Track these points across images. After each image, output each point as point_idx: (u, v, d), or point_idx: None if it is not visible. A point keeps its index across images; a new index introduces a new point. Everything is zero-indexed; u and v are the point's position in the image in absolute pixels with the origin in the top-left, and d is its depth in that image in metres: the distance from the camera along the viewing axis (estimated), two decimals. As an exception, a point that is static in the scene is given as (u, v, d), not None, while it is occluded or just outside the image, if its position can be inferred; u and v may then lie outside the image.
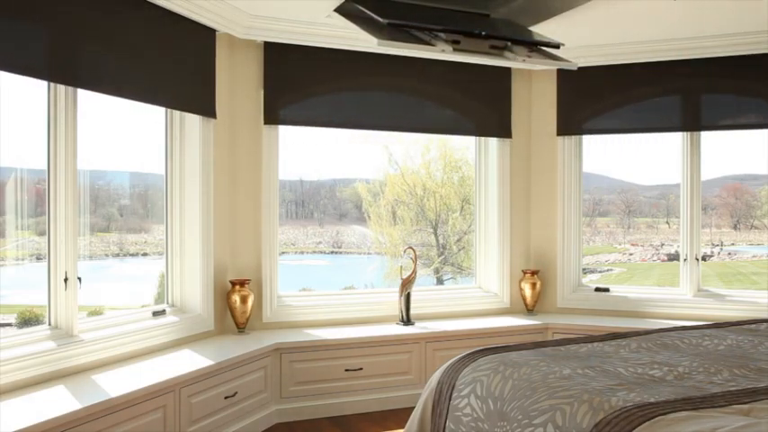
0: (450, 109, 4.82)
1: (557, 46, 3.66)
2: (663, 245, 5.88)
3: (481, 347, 3.00)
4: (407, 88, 4.65)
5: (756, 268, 5.70)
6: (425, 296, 4.82)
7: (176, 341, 3.73)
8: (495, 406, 2.45)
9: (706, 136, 4.75)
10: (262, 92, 4.25)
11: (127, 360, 3.36)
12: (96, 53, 3.17)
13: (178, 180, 3.97)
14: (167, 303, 3.94)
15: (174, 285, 3.97)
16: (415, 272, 4.53)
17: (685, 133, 4.75)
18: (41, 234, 3.17)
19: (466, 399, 2.61)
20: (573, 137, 4.97)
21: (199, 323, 3.91)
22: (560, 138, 4.97)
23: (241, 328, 4.10)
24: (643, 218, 5.99)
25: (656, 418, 1.94)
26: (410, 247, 4.72)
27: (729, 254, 5.76)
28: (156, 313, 3.75)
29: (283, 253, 5.08)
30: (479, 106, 4.88)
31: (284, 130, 4.36)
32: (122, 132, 3.77)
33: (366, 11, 3.40)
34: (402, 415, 3.88)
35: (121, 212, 4.12)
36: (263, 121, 4.25)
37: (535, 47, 3.71)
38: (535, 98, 5.04)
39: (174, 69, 3.68)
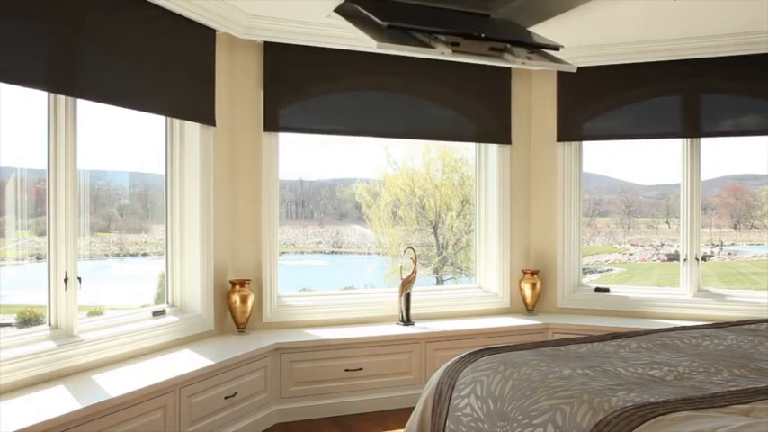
0: (450, 109, 4.82)
1: (556, 48, 3.66)
2: (663, 245, 5.88)
3: (481, 347, 3.00)
4: (407, 88, 4.64)
5: (756, 268, 5.70)
6: (425, 296, 4.82)
7: (176, 341, 3.73)
8: (495, 406, 2.45)
9: (706, 133, 4.74)
10: (262, 92, 4.25)
11: (127, 360, 3.36)
12: (96, 57, 3.16)
13: (178, 180, 3.97)
14: (167, 303, 3.94)
15: (174, 285, 3.97)
16: (415, 272, 4.53)
17: (686, 129, 4.75)
18: (41, 234, 3.17)
19: (466, 399, 2.61)
20: (574, 135, 4.96)
21: (199, 323, 3.91)
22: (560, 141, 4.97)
23: (241, 328, 4.10)
24: (643, 218, 5.99)
25: (656, 418, 1.94)
26: (410, 247, 4.72)
27: (729, 254, 5.76)
28: (156, 313, 3.75)
29: (283, 253, 5.08)
30: (479, 107, 4.87)
31: (284, 122, 4.34)
32: (122, 132, 3.76)
33: (365, 12, 3.39)
34: (402, 415, 3.88)
35: (121, 212, 4.12)
36: (263, 128, 4.25)
37: (534, 49, 3.72)
38: (535, 98, 5.04)
39: (173, 74, 3.67)
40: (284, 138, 4.39)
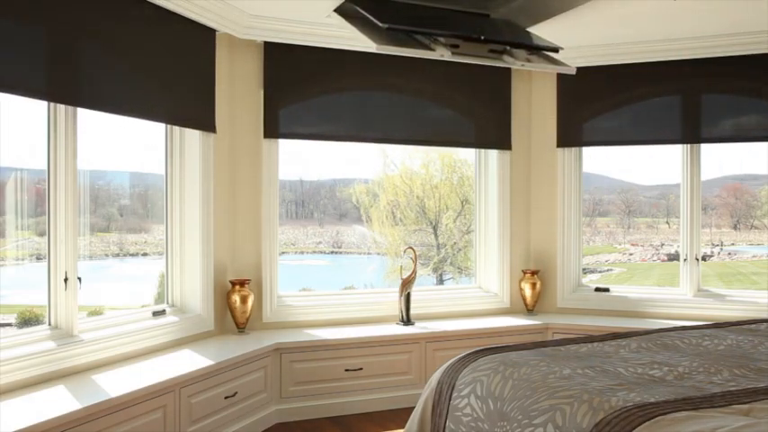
0: (450, 109, 4.82)
1: (555, 50, 3.66)
2: (663, 245, 5.89)
3: (481, 347, 3.00)
4: (408, 88, 4.64)
5: (756, 268, 5.70)
6: (425, 296, 4.82)
7: (176, 341, 3.73)
8: (495, 406, 2.45)
9: (706, 134, 4.73)
10: (261, 92, 4.25)
11: (127, 360, 3.36)
12: (95, 63, 3.15)
13: (178, 180, 3.97)
14: (167, 303, 3.94)
15: (174, 285, 3.97)
16: (414, 272, 4.53)
17: (686, 130, 4.74)
18: (41, 234, 3.17)
19: (466, 399, 2.61)
20: (574, 135, 4.96)
21: (199, 323, 3.91)
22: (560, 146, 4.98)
23: (241, 328, 4.10)
24: (643, 218, 5.99)
25: (656, 418, 1.94)
26: (410, 247, 4.72)
27: (729, 254, 5.76)
28: (156, 313, 3.75)
29: (283, 253, 5.08)
30: (480, 107, 4.87)
31: (284, 124, 4.34)
32: (122, 132, 3.76)
33: (365, 13, 3.39)
34: (402, 415, 3.88)
35: (121, 212, 4.12)
36: (263, 132, 4.25)
37: (534, 50, 3.72)
38: (535, 99, 5.03)
39: (174, 80, 3.67)
40: (284, 135, 4.38)
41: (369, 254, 5.99)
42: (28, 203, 3.25)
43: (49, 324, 3.12)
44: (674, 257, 5.54)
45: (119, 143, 3.78)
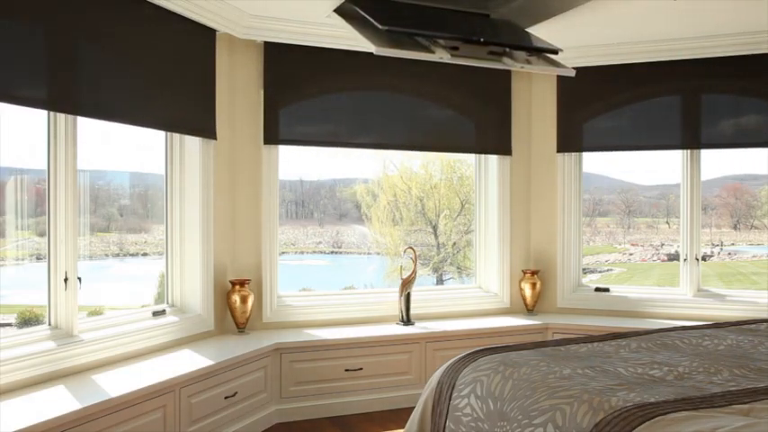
0: (450, 110, 4.81)
1: (555, 51, 3.66)
2: (663, 245, 5.88)
3: (481, 347, 3.00)
4: (407, 89, 4.64)
5: (756, 268, 5.70)
6: (425, 296, 4.82)
7: (176, 341, 3.73)
8: (495, 406, 2.45)
9: (706, 135, 4.73)
10: (262, 92, 4.25)
11: (127, 360, 3.36)
12: (94, 66, 3.14)
13: (178, 180, 3.97)
14: (167, 303, 3.94)
15: (174, 285, 3.97)
16: (414, 272, 4.53)
17: (686, 132, 4.74)
18: (41, 234, 3.17)
19: (466, 399, 2.61)
20: (574, 135, 4.96)
21: (199, 323, 3.91)
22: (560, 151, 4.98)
23: (241, 328, 4.10)
24: (643, 218, 5.99)
25: (656, 418, 1.94)
26: (410, 247, 4.72)
27: (729, 254, 5.76)
28: (156, 313, 3.75)
29: (283, 253, 5.08)
30: (479, 109, 4.87)
31: (284, 123, 4.34)
32: (122, 132, 3.76)
33: (364, 14, 3.39)
34: (402, 415, 3.88)
35: (121, 212, 4.12)
36: (263, 133, 4.25)
37: (533, 52, 3.71)
38: (536, 100, 5.03)
39: (174, 85, 3.66)
40: (284, 134, 4.37)
41: (369, 254, 5.99)
42: (28, 203, 3.25)
43: (49, 324, 3.12)
44: (674, 257, 5.54)
45: (119, 143, 3.78)
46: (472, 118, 4.89)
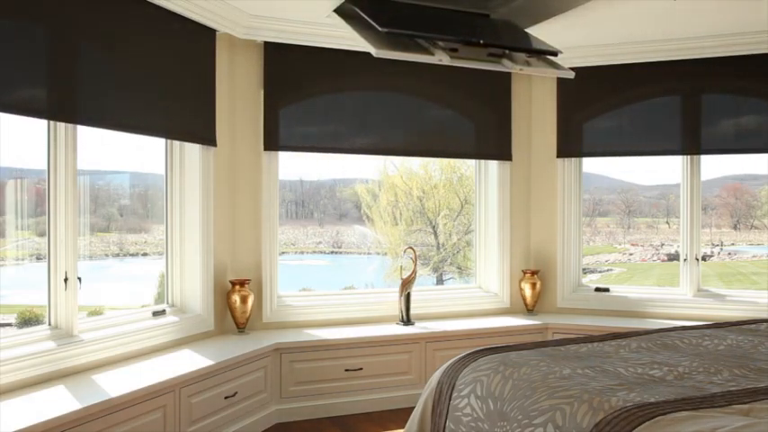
0: (450, 110, 4.81)
1: (554, 53, 3.66)
2: (663, 245, 5.89)
3: (481, 347, 3.00)
4: (407, 89, 4.64)
5: (756, 268, 5.70)
6: (425, 296, 4.82)
7: (176, 341, 3.73)
8: (495, 406, 2.45)
9: (706, 135, 4.73)
10: (262, 92, 4.25)
11: (127, 360, 3.36)
12: (94, 71, 3.14)
13: (178, 180, 3.97)
14: (167, 303, 3.94)
15: (174, 285, 3.97)
16: (414, 272, 4.53)
17: (686, 134, 4.74)
18: (41, 234, 3.17)
19: (466, 399, 2.61)
20: (574, 135, 4.96)
21: (199, 323, 3.91)
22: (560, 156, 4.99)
23: (241, 328, 4.10)
24: (643, 218, 5.99)
25: (656, 418, 1.94)
26: (410, 247, 4.72)
27: (729, 254, 5.76)
28: (156, 313, 3.75)
29: (283, 253, 5.08)
30: (479, 110, 4.87)
31: (284, 125, 4.34)
32: (122, 133, 3.76)
33: (364, 15, 3.39)
34: (402, 415, 3.88)
35: (121, 212, 4.12)
36: (263, 139, 4.25)
37: (533, 54, 3.71)
38: (536, 100, 5.03)
39: (174, 88, 3.66)
40: (284, 135, 4.37)
41: (369, 254, 5.99)
42: (28, 203, 3.25)
43: (49, 324, 3.12)
44: (674, 257, 5.54)
45: (119, 143, 3.78)
46: (472, 119, 4.89)
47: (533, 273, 4.91)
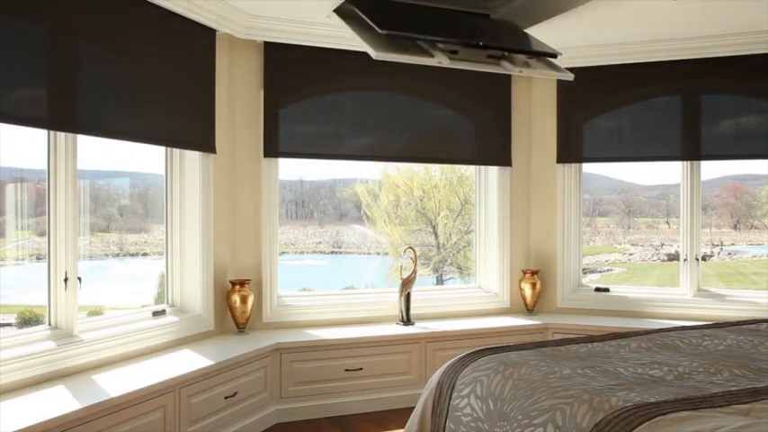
0: (450, 109, 4.81)
1: (554, 55, 3.66)
2: (663, 245, 5.88)
3: (481, 347, 3.00)
4: (407, 89, 4.63)
5: (756, 268, 5.70)
6: (425, 296, 4.82)
7: (176, 341, 3.73)
8: (495, 406, 2.45)
9: (706, 136, 4.73)
10: (262, 92, 4.25)
11: (127, 360, 3.36)
12: (93, 76, 3.14)
13: (178, 180, 3.97)
14: (167, 303, 3.94)
15: (174, 285, 3.97)
16: (415, 272, 4.53)
17: (686, 138, 4.74)
18: (41, 234, 3.17)
19: (466, 399, 2.61)
20: (574, 135, 4.96)
21: (199, 323, 3.91)
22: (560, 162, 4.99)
23: (241, 328, 4.10)
24: (643, 218, 5.99)
25: (656, 418, 1.94)
26: (410, 247, 4.72)
27: (729, 254, 5.76)
28: (156, 313, 3.75)
29: (283, 253, 5.08)
30: (479, 111, 4.87)
31: (284, 124, 4.34)
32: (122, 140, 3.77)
33: (363, 16, 3.39)
34: (402, 415, 3.88)
35: (121, 212, 4.12)
36: (263, 152, 4.26)
37: (532, 56, 3.71)
38: (536, 101, 5.03)
39: (174, 92, 3.66)
40: (284, 136, 4.37)
41: (369, 254, 5.99)
42: (28, 203, 3.25)
43: (49, 324, 3.13)
44: (674, 257, 5.54)
45: (118, 144, 3.77)
46: (472, 119, 4.88)
47: (533, 273, 4.91)
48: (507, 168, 4.96)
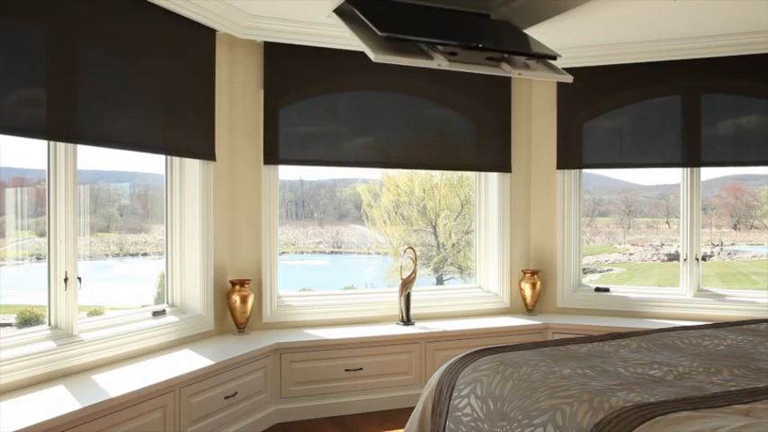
0: (451, 110, 4.81)
1: (553, 57, 3.66)
2: (663, 245, 5.89)
3: (481, 347, 3.00)
4: (407, 89, 4.63)
5: (756, 268, 5.70)
6: (425, 296, 4.82)
7: (176, 341, 3.73)
8: (495, 406, 2.45)
9: (706, 140, 4.72)
10: (261, 92, 4.25)
11: (127, 360, 3.36)
12: (93, 80, 3.14)
13: (179, 180, 3.97)
14: (167, 303, 3.94)
15: (173, 285, 3.97)
16: (414, 272, 4.53)
17: (686, 142, 4.74)
18: (41, 234, 3.17)
19: (466, 399, 2.61)
20: (574, 135, 4.96)
21: (199, 323, 3.91)
22: (561, 139, 4.98)
23: (241, 328, 4.10)
24: (643, 218, 5.99)
25: (656, 418, 1.94)
26: (410, 247, 4.72)
27: (729, 254, 5.76)
28: (155, 313, 3.75)
29: (283, 253, 5.08)
30: (479, 111, 4.87)
31: (284, 122, 4.34)
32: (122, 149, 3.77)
33: (363, 17, 3.39)
34: (402, 415, 3.88)
35: (121, 212, 4.12)
36: (263, 157, 4.26)
37: (532, 58, 3.71)
38: (536, 102, 5.04)
39: (173, 95, 3.66)
40: (284, 137, 4.37)
41: (369, 254, 5.99)
42: (28, 203, 3.25)
43: (49, 324, 3.13)
44: (674, 257, 5.54)
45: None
46: (473, 121, 4.88)
47: (533, 273, 4.91)
48: (508, 176, 4.97)
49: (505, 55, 3.60)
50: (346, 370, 4.09)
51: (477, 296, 5.00)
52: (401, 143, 4.68)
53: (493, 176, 5.01)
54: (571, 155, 4.95)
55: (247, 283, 4.10)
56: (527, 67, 3.69)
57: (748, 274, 5.58)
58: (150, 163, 4.02)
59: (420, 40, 3.38)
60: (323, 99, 4.44)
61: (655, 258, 5.90)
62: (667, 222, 5.93)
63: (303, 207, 5.80)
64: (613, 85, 4.82)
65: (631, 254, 5.99)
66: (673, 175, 5.00)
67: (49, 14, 2.90)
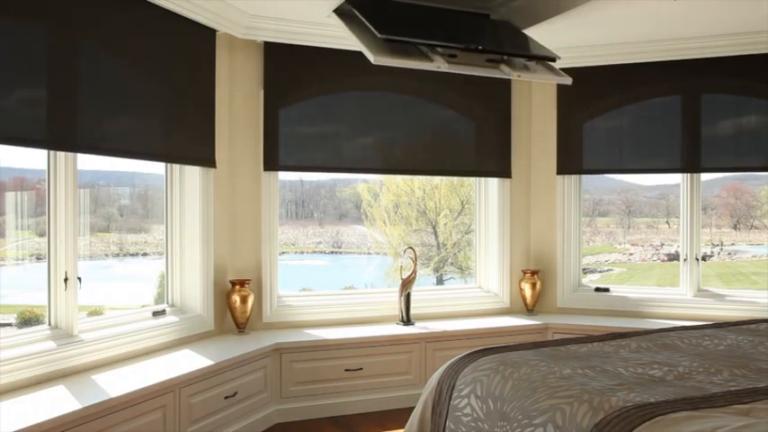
0: (451, 110, 4.81)
1: (553, 59, 3.66)
2: (663, 245, 5.89)
3: (481, 347, 3.00)
4: (407, 89, 4.63)
5: (756, 268, 5.70)
6: (425, 296, 4.82)
7: (176, 341, 3.73)
8: (495, 406, 2.45)
9: (706, 142, 4.72)
10: (261, 92, 4.25)
11: (127, 360, 3.36)
12: (92, 84, 3.14)
13: (178, 179, 3.97)
14: (167, 303, 3.94)
15: (173, 285, 3.97)
16: (414, 272, 4.53)
17: (686, 145, 4.73)
18: (41, 234, 3.17)
19: (466, 399, 2.61)
20: (574, 135, 4.96)
21: (199, 323, 3.91)
22: (561, 139, 4.98)
23: (241, 328, 4.10)
24: (643, 218, 5.99)
25: (656, 418, 1.94)
26: (410, 247, 4.71)
27: (729, 254, 5.76)
28: (155, 313, 3.75)
29: (283, 253, 5.08)
30: (478, 111, 4.87)
31: (284, 122, 4.34)
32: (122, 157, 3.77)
33: (362, 18, 3.39)
34: (402, 415, 3.87)
35: (121, 212, 4.12)
36: (263, 162, 4.26)
37: (532, 60, 3.71)
38: (536, 103, 5.03)
39: (173, 98, 3.66)
40: (284, 135, 4.37)
41: (369, 254, 5.99)
42: (28, 203, 3.25)
43: (49, 324, 3.13)
44: (674, 257, 5.54)
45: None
46: (473, 122, 4.88)
47: (533, 273, 4.91)
48: (507, 181, 4.97)
49: (505, 57, 3.60)
50: (346, 370, 4.09)
51: (477, 296, 5.00)
52: (402, 144, 4.68)
53: (493, 179, 5.01)
54: (571, 159, 4.95)
55: (247, 283, 4.10)
56: (526, 68, 3.69)
57: (748, 274, 5.58)
58: (150, 163, 4.01)
59: (420, 42, 3.38)
60: (323, 99, 4.44)
61: (655, 258, 5.90)
62: (667, 222, 5.93)
63: (303, 207, 5.80)
64: (613, 85, 4.82)
65: (631, 254, 5.99)
66: (673, 176, 5.00)
67: (48, 14, 2.90)
